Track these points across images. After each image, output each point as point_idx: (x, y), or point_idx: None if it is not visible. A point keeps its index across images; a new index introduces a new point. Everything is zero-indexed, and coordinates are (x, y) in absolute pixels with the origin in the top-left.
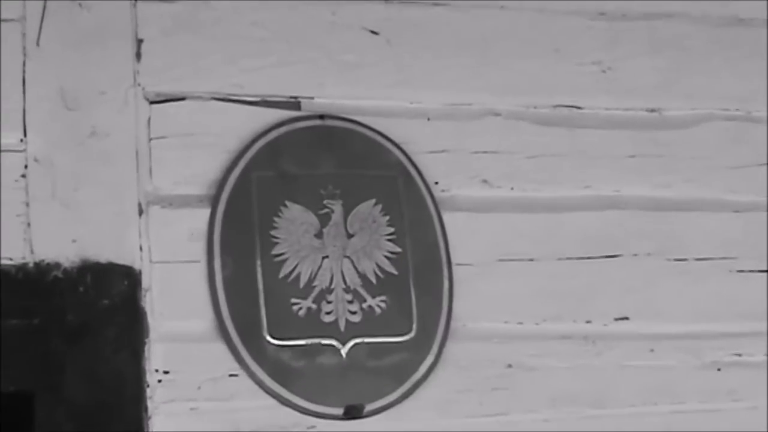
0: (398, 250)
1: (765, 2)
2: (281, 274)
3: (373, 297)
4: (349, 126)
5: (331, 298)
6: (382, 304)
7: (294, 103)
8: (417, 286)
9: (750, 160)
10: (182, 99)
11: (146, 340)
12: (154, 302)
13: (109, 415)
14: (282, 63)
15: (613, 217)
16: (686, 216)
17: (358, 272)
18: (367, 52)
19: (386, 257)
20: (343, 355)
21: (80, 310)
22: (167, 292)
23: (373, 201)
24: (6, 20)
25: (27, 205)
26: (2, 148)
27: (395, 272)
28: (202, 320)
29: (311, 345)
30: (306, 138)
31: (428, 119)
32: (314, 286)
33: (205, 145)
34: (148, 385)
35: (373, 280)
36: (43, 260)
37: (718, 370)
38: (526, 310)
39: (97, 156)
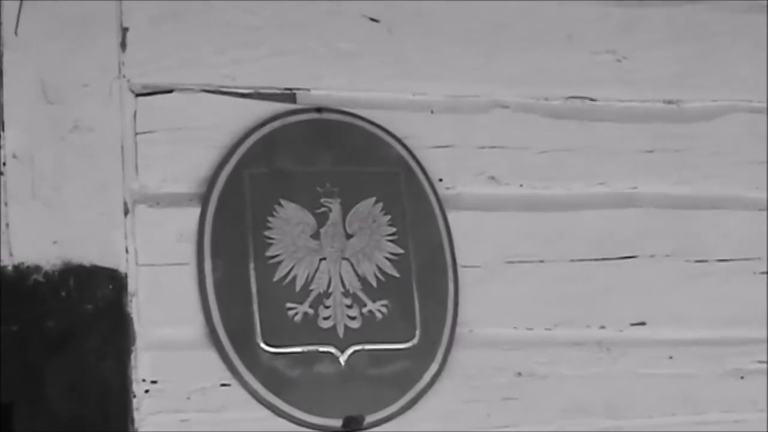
0: (400, 251)
1: None
2: (276, 277)
3: (374, 301)
4: (347, 119)
5: (328, 302)
6: (383, 309)
7: (289, 96)
8: (420, 289)
9: None
10: (170, 91)
11: (132, 348)
12: (140, 307)
13: (93, 428)
14: (276, 53)
15: (629, 215)
16: (707, 214)
17: (357, 275)
18: (367, 40)
19: (387, 259)
20: (342, 363)
21: (62, 316)
22: (155, 296)
23: (374, 199)
24: None
25: (5, 204)
26: None
27: (397, 275)
28: (192, 326)
29: (308, 352)
30: (302, 132)
31: (432, 112)
32: (311, 290)
33: (194, 140)
34: (134, 396)
35: (374, 284)
36: (22, 263)
37: (741, 378)
38: (536, 315)
39: (80, 152)
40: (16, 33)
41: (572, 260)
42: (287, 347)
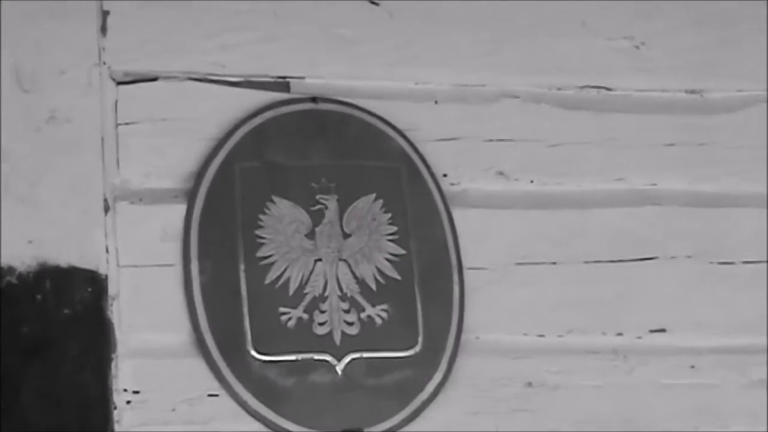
0: (401, 252)
1: None
2: (268, 280)
3: (373, 306)
4: (345, 110)
5: (324, 306)
6: (383, 314)
7: (282, 84)
8: (423, 293)
9: None
10: (154, 79)
11: (113, 356)
12: (122, 312)
13: None
14: (268, 38)
15: (647, 214)
16: (732, 213)
17: (355, 277)
18: (367, 25)
19: (388, 260)
20: (339, 372)
21: (38, 321)
22: (137, 300)
23: (373, 196)
24: None
25: None
26: None
27: (398, 277)
28: (178, 333)
29: (302, 361)
30: (296, 124)
31: (436, 102)
32: (305, 294)
33: (180, 132)
34: (115, 407)
35: (373, 287)
36: None
37: None
38: (547, 321)
39: (57, 144)
40: None
41: (587, 262)
42: (280, 355)
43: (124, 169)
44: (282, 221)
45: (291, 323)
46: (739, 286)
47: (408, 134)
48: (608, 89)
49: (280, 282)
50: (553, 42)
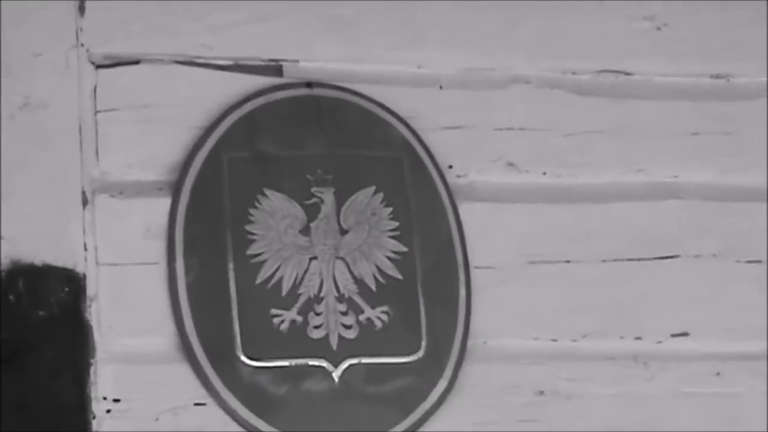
0: (403, 249)
1: None
2: (259, 279)
3: (373, 307)
4: (342, 96)
5: (320, 308)
6: (384, 317)
7: (275, 68)
8: (426, 294)
9: None
10: (136, 63)
11: (92, 361)
12: (101, 314)
13: None
14: (260, 18)
15: (669, 208)
16: (760, 208)
17: (353, 277)
18: (366, 4)
19: (388, 258)
20: (336, 379)
21: (10, 324)
22: (118, 301)
23: (373, 189)
24: None
25: None
26: None
27: (399, 277)
28: (161, 336)
29: (296, 367)
30: (289, 111)
31: (441, 87)
32: (299, 294)
33: (164, 120)
34: (93, 417)
35: (373, 287)
36: None
37: None
38: (561, 324)
39: (31, 133)
40: None
41: (603, 261)
42: (272, 360)
43: (104, 159)
44: (274, 216)
45: (284, 326)
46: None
47: (410, 122)
48: (627, 74)
49: (272, 282)
50: (568, 23)
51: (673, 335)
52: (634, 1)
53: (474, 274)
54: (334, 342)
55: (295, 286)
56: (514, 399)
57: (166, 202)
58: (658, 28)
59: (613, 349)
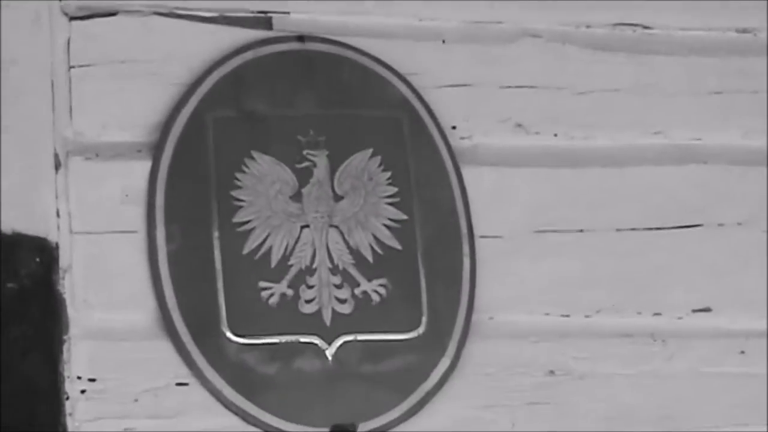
0: (403, 217)
1: None
2: (246, 249)
3: (369, 280)
4: (336, 51)
5: (312, 281)
6: (381, 290)
7: (263, 20)
8: (428, 265)
9: None
10: (113, 14)
11: (65, 338)
12: (75, 287)
13: None
14: None
15: (691, 173)
16: None
17: (348, 247)
18: None
19: (386, 227)
20: (329, 357)
21: None
22: (94, 273)
23: (370, 151)
24: None
25: None
26: None
27: (398, 247)
28: (141, 311)
29: (286, 344)
30: (279, 67)
31: (443, 42)
32: (290, 266)
33: (143, 76)
34: (67, 398)
35: (369, 258)
36: None
37: None
38: (573, 299)
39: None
40: None
41: (619, 230)
42: (260, 337)
43: (78, 119)
44: (263, 181)
45: (273, 300)
46: None
47: (411, 79)
48: (646, 27)
49: (261, 252)
50: None
51: (695, 311)
52: None
53: (479, 244)
54: (327, 317)
55: (286, 256)
56: (523, 379)
57: (145, 166)
58: None
59: (630, 325)
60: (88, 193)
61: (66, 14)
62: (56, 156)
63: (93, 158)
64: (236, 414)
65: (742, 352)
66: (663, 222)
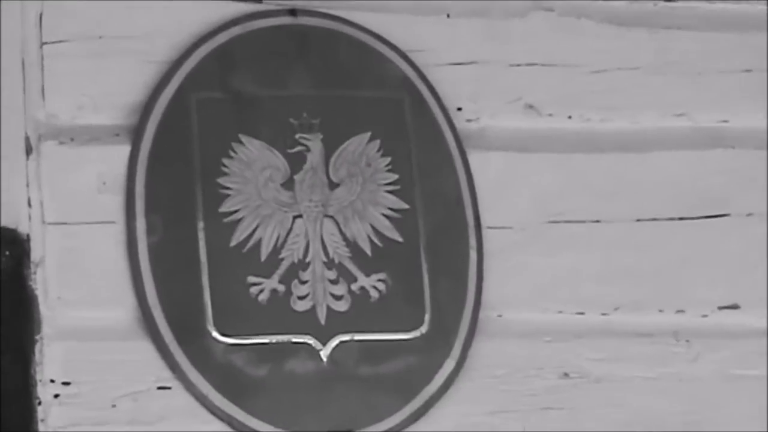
0: (404, 206)
1: None
2: (234, 242)
3: (368, 275)
4: (332, 26)
5: (306, 276)
6: (381, 286)
7: None
8: (431, 259)
9: None
10: None
11: (37, 338)
12: (48, 282)
13: None
14: None
15: (717, 159)
16: None
17: (345, 239)
18: None
19: (386, 217)
20: (324, 358)
21: None
22: (68, 267)
23: (368, 135)
24: None
25: None
26: None
27: (399, 239)
28: (119, 309)
29: (277, 344)
30: (270, 43)
31: (448, 16)
32: (281, 259)
33: (122, 54)
34: (39, 403)
35: (368, 251)
36: None
37: None
38: (589, 295)
39: None
40: None
41: (639, 220)
42: (249, 337)
43: (51, 100)
44: (252, 167)
45: (263, 297)
46: None
47: (413, 56)
48: (668, 0)
49: (250, 244)
50: None
51: (721, 308)
52: None
53: (486, 235)
54: (321, 315)
55: (277, 249)
56: (534, 382)
57: (124, 150)
58: None
59: (650, 324)
60: (61, 181)
61: None
62: (27, 140)
63: (67, 142)
64: (223, 420)
65: None
66: (686, 211)
